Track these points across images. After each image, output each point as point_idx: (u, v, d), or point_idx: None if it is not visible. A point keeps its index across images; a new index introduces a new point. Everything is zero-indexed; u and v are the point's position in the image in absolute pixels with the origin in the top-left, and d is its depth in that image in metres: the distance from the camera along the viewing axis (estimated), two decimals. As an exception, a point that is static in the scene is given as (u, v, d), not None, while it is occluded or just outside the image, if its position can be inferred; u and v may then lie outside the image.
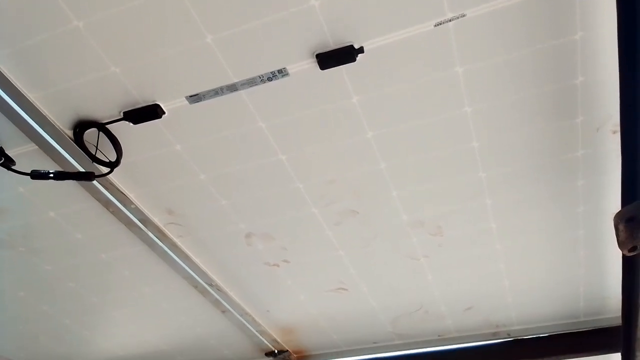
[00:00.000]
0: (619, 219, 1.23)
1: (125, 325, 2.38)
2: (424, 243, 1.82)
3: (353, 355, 2.51)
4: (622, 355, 2.00)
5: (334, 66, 1.22)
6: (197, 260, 1.92)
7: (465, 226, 1.74)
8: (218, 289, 2.05)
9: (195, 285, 2.03)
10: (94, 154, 1.42)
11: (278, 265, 1.97)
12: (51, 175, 1.36)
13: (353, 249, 1.87)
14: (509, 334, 2.28)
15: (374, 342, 2.44)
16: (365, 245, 1.85)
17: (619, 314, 1.87)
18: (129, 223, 1.72)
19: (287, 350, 2.49)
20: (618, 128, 1.33)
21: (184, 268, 1.93)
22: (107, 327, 2.41)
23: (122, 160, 1.48)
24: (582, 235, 1.73)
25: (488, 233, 1.76)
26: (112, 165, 1.44)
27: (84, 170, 1.44)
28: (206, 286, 2.02)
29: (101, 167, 1.46)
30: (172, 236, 1.81)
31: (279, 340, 2.43)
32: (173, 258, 1.88)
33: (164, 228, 1.77)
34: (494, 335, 2.29)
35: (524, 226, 1.72)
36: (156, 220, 1.74)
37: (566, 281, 1.97)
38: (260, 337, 2.37)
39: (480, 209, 1.66)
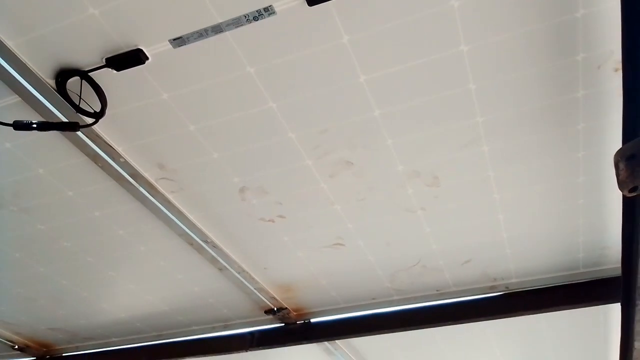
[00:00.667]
0: (619, 156, 1.18)
1: (123, 285, 2.39)
2: (421, 194, 1.79)
3: (352, 312, 2.52)
4: (621, 305, 2.00)
5: (322, 1, 1.16)
6: (191, 216, 1.90)
7: (462, 175, 1.70)
8: (214, 246, 2.04)
9: (191, 243, 2.02)
10: (77, 104, 1.37)
11: (273, 221, 1.94)
12: (34, 125, 1.32)
13: (349, 203, 1.84)
14: (507, 287, 2.27)
15: (373, 298, 2.44)
16: (361, 198, 1.82)
17: (619, 264, 1.86)
18: (119, 178, 1.69)
19: (286, 308, 2.50)
20: (620, 65, 1.28)
21: (178, 225, 1.91)
22: (105, 288, 2.41)
23: (108, 112, 1.43)
24: (582, 182, 1.70)
25: (486, 182, 1.72)
26: (97, 115, 1.39)
27: (68, 121, 1.40)
28: (202, 243, 2.01)
29: (86, 117, 1.42)
30: (164, 192, 1.78)
31: (277, 297, 2.43)
32: (166, 215, 1.86)
33: (155, 183, 1.74)
34: (492, 288, 2.29)
35: (522, 174, 1.68)
36: (147, 175, 1.71)
37: (565, 231, 1.94)
38: (259, 295, 2.38)
39: (478, 157, 1.62)
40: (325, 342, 2.66)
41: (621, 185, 1.23)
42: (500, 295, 2.28)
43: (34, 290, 2.44)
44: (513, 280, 2.25)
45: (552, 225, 1.91)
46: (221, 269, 2.18)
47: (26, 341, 2.96)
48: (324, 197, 1.81)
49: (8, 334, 2.89)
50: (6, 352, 3.05)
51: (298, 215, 1.91)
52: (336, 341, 2.70)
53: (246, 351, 2.65)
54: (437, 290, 2.35)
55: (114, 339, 2.93)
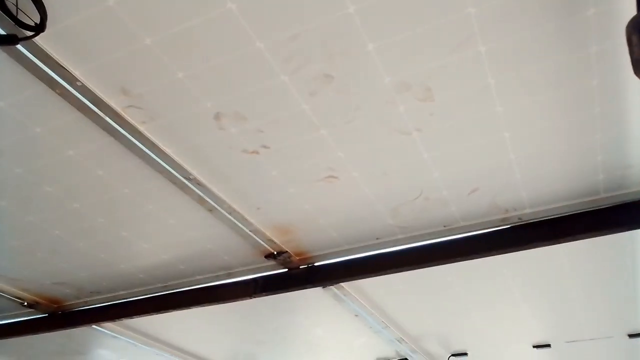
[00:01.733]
0: (632, 28, 0.98)
1: (116, 233, 2.31)
2: (414, 112, 1.61)
3: (356, 254, 2.39)
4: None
5: None
6: (167, 150, 1.77)
7: (458, 85, 1.51)
8: (198, 184, 1.91)
9: (174, 181, 1.90)
10: (15, 15, 1.24)
11: (258, 153, 1.80)
12: (-33, 39, 1.19)
13: (335, 126, 1.68)
14: (520, 218, 2.08)
15: (377, 238, 2.30)
16: (347, 120, 1.65)
17: (644, 186, 1.65)
18: (82, 108, 1.56)
19: (287, 252, 2.39)
20: None
21: (155, 160, 1.79)
22: (98, 237, 2.34)
23: (54, 28, 1.30)
24: (596, 85, 1.48)
25: (486, 92, 1.53)
26: (37, 28, 1.26)
27: (6, 34, 1.27)
28: (185, 181, 1.89)
29: (27, 32, 1.28)
30: (134, 122, 1.65)
31: (276, 241, 2.32)
32: (141, 149, 1.74)
33: (123, 113, 1.61)
34: (504, 221, 2.11)
35: (526, 79, 1.48)
36: (112, 103, 1.57)
37: (581, 149, 1.74)
38: (256, 238, 2.26)
39: (474, 60, 1.42)
40: (333, 288, 2.55)
41: (636, 65, 1.03)
42: (514, 227, 2.10)
43: (29, 242, 2.39)
44: (526, 211, 2.06)
45: (565, 142, 1.70)
46: (211, 209, 2.06)
47: (35, 297, 2.96)
48: (308, 120, 1.65)
49: (16, 291, 2.88)
50: (17, 309, 3.07)
51: (283, 144, 1.76)
52: (345, 287, 2.59)
53: (250, 298, 2.57)
54: (444, 226, 2.19)
55: (120, 292, 2.89)
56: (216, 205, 2.03)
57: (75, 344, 3.74)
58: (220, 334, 3.46)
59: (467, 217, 2.12)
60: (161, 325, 3.34)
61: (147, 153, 1.75)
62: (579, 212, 2.00)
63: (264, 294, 2.55)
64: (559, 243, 2.06)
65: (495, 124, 1.64)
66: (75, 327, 3.05)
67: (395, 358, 3.62)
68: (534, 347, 3.29)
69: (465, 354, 3.48)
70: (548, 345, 3.25)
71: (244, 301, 2.83)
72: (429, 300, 2.81)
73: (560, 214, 2.02)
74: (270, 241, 2.30)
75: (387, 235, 2.27)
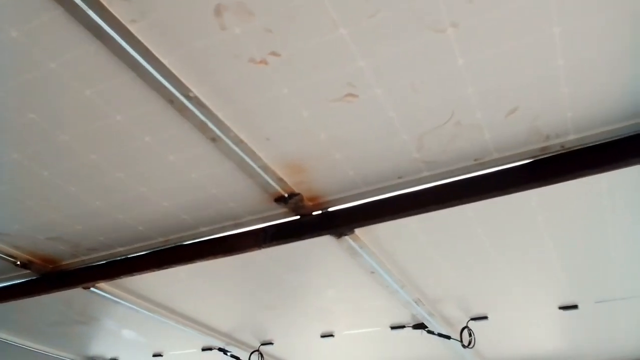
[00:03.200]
0: None
1: (111, 174, 2.08)
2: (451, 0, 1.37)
3: (375, 196, 2.15)
4: None
5: None
6: (163, 60, 1.54)
7: (506, -42, 1.27)
8: (199, 104, 1.68)
9: (171, 100, 1.67)
10: None
11: (266, 63, 1.57)
12: None
13: (358, 24, 1.44)
14: (562, 146, 1.85)
15: (399, 177, 2.06)
16: (371, 12, 1.41)
17: None
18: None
19: (299, 194, 2.16)
20: None
21: (150, 73, 1.56)
22: (91, 178, 2.12)
23: None
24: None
25: (538, -33, 1.29)
26: None
27: None
28: (184, 100, 1.66)
29: None
30: (122, 20, 1.41)
31: (287, 181, 2.09)
32: (134, 58, 1.51)
33: (107, 6, 1.38)
34: (544, 150, 1.87)
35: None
36: (95, -8, 1.35)
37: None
38: (265, 176, 2.03)
39: None
40: (349, 239, 2.32)
41: None
42: (556, 155, 1.86)
43: (15, 186, 2.17)
44: (571, 137, 1.82)
45: (622, 44, 1.46)
46: (214, 139, 1.83)
47: (28, 256, 2.75)
48: (325, 15, 1.42)
49: (7, 249, 2.67)
50: (10, 271, 2.86)
51: (295, 49, 1.52)
52: (361, 239, 2.36)
53: (259, 248, 2.36)
54: (475, 160, 1.95)
55: (119, 249, 2.68)
56: (220, 134, 1.80)
57: (76, 313, 3.56)
58: (227, 300, 3.25)
59: (502, 147, 1.88)
60: (165, 292, 3.14)
61: (140, 62, 1.51)
62: (627, 135, 1.76)
63: (274, 243, 2.33)
64: (604, 172, 1.83)
65: (545, 15, 1.40)
66: (73, 287, 2.84)
67: (410, 324, 3.41)
68: (559, 308, 3.06)
69: (486, 317, 3.26)
70: (575, 307, 3.02)
71: (254, 262, 2.63)
72: (451, 254, 2.56)
73: (610, 138, 1.78)
74: (280, 181, 2.08)
75: (411, 173, 2.04)
